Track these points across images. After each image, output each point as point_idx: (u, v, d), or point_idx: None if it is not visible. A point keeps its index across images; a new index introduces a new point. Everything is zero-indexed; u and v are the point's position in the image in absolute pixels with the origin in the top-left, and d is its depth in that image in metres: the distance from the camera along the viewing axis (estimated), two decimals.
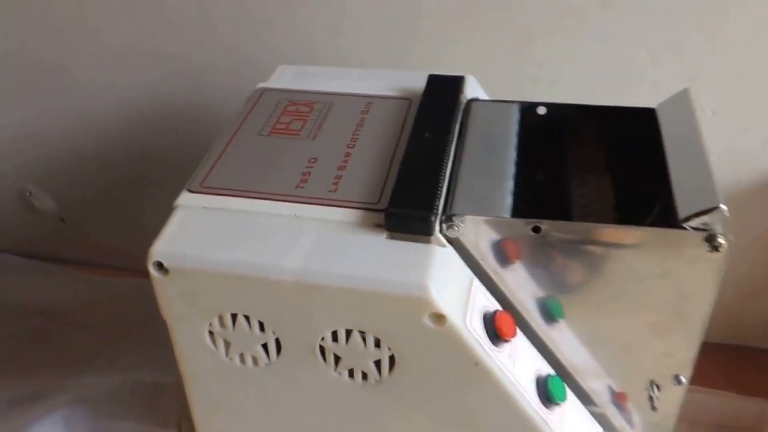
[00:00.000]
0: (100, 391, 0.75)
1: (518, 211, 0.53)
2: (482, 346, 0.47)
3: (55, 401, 0.75)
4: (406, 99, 0.64)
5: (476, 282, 0.50)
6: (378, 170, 0.54)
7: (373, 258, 0.47)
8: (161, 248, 0.49)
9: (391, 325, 0.48)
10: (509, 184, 0.53)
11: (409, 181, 0.51)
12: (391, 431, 0.54)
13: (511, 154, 0.56)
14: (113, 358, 0.82)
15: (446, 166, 0.53)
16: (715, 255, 0.47)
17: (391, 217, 0.48)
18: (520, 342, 0.52)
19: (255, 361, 0.53)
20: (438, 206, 0.49)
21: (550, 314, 0.54)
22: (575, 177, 0.60)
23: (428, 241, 0.48)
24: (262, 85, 0.68)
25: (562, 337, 0.55)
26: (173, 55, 0.90)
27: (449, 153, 0.55)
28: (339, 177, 0.54)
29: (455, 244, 0.50)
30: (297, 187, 0.54)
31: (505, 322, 0.49)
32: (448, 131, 0.56)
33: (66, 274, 1.03)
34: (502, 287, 0.52)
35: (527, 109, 0.62)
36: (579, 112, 0.61)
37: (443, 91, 0.62)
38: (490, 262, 0.51)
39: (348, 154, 0.57)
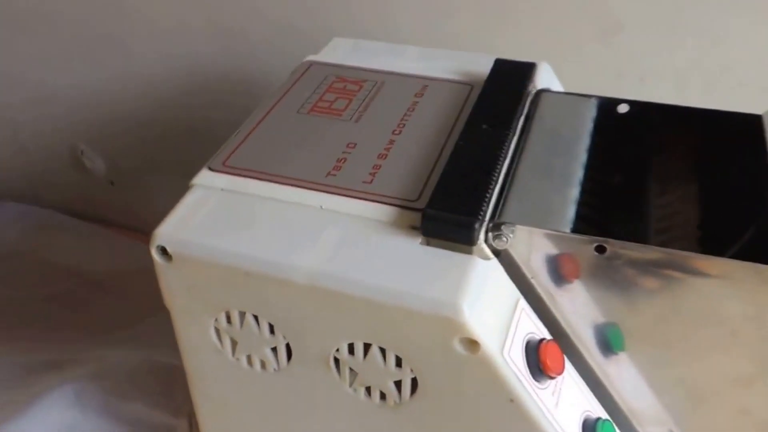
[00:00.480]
0: (118, 368, 0.71)
1: (583, 222, 0.45)
2: (521, 381, 0.40)
3: (72, 373, 0.72)
4: (467, 84, 0.56)
5: (523, 303, 0.43)
6: (423, 163, 0.47)
7: (402, 266, 0.40)
8: (166, 231, 0.44)
9: (415, 345, 0.41)
10: (574, 191, 0.45)
11: (455, 179, 0.44)
12: None
13: (581, 156, 0.48)
14: (138, 333, 0.77)
15: (501, 165, 0.45)
16: None
17: (427, 219, 0.41)
18: (568, 377, 0.44)
19: (263, 365, 0.47)
20: (485, 211, 0.42)
21: (608, 345, 0.46)
22: (655, 186, 0.51)
23: (469, 252, 0.41)
24: (311, 57, 0.62)
25: (620, 374, 0.47)
26: (227, 27, 0.84)
27: (507, 149, 0.47)
28: (377, 167, 0.47)
29: (502, 256, 0.42)
30: (329, 174, 0.47)
31: (551, 354, 0.41)
32: (509, 124, 0.49)
33: (108, 238, 1.00)
34: (554, 310, 0.45)
35: (606, 105, 0.54)
36: (667, 113, 0.52)
37: (510, 78, 0.54)
38: (542, 281, 0.43)
39: (392, 142, 0.50)
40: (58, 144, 1.07)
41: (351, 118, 0.53)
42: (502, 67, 0.56)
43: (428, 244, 0.42)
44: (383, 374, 0.43)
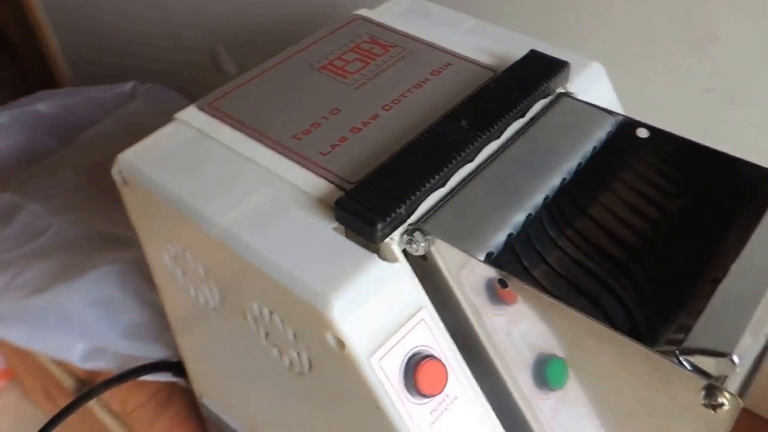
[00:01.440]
0: None
1: (511, 252, 0.42)
2: (387, 391, 0.39)
3: (126, 254, 0.78)
4: (491, 70, 0.53)
5: (426, 314, 0.41)
6: (389, 147, 0.46)
7: (302, 246, 0.40)
8: (128, 158, 0.47)
9: (303, 325, 0.41)
10: (518, 216, 0.42)
11: (390, 173, 0.42)
12: (313, 420, 0.48)
13: (557, 177, 0.44)
14: None
15: (453, 167, 0.43)
16: (712, 414, 0.33)
17: (338, 206, 0.40)
18: (466, 402, 0.42)
19: (205, 300, 0.50)
20: (401, 213, 0.40)
21: (544, 380, 0.43)
22: (621, 227, 0.46)
23: (375, 250, 0.40)
24: (361, 11, 0.61)
25: (553, 412, 0.44)
26: None
27: (472, 152, 0.44)
28: (344, 140, 0.47)
29: (427, 263, 0.41)
30: (295, 137, 0.47)
31: (429, 373, 0.39)
32: (490, 125, 0.45)
33: None
34: (479, 330, 0.43)
35: (627, 125, 0.48)
36: (687, 150, 0.46)
37: (531, 73, 0.50)
38: (471, 297, 0.41)
39: (374, 117, 0.49)
40: (198, 41, 1.14)
41: (354, 84, 0.52)
42: (531, 59, 0.52)
43: (339, 231, 0.41)
44: (285, 343, 0.44)
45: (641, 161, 0.48)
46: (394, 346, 0.39)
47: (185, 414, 0.73)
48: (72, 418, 0.70)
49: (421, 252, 0.40)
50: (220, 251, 0.42)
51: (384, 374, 0.39)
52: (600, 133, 0.48)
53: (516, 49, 0.54)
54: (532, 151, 0.46)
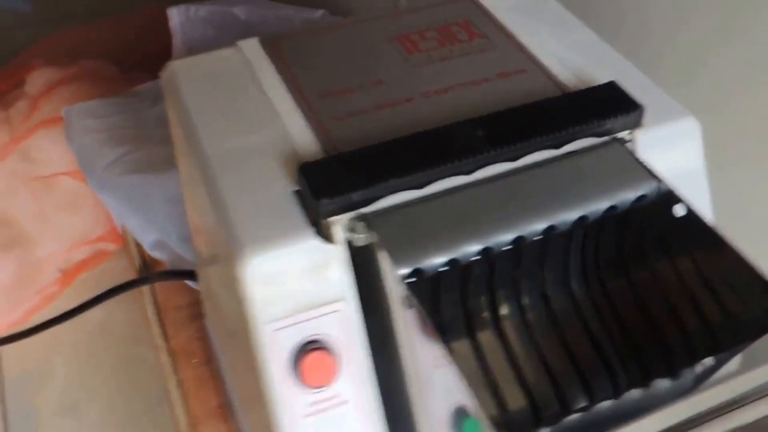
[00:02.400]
0: None
1: (478, 283, 0.39)
2: (269, 365, 0.38)
3: None
4: (561, 89, 0.48)
5: (345, 307, 0.39)
6: (401, 132, 0.44)
7: (254, 199, 0.40)
8: (174, 66, 0.50)
9: (230, 273, 0.41)
10: (474, 246, 0.38)
11: (367, 156, 0.40)
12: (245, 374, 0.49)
13: (543, 221, 0.40)
14: None
15: (437, 173, 0.40)
16: None
17: (300, 172, 0.39)
18: (357, 411, 0.40)
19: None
20: (353, 197, 0.38)
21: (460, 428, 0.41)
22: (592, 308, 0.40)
23: (314, 224, 0.39)
24: None
25: None
26: None
27: (469, 164, 0.41)
28: (364, 112, 0.45)
29: (366, 255, 0.39)
30: (322, 95, 0.47)
31: (315, 364, 0.38)
32: (506, 144, 0.41)
33: None
34: (400, 342, 0.40)
35: (663, 196, 0.42)
36: (712, 239, 0.39)
37: (592, 105, 0.45)
38: (399, 309, 0.39)
39: (409, 100, 0.47)
40: None
41: (415, 62, 0.50)
42: (603, 90, 0.46)
43: (296, 196, 0.40)
44: (228, 287, 0.44)
45: (656, 237, 0.42)
46: (295, 324, 0.39)
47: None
48: (126, 296, 0.77)
49: (359, 243, 0.39)
50: (197, 177, 0.44)
51: (275, 345, 0.38)
52: (627, 195, 0.42)
53: (608, 76, 0.49)
54: (538, 186, 0.42)
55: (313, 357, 0.38)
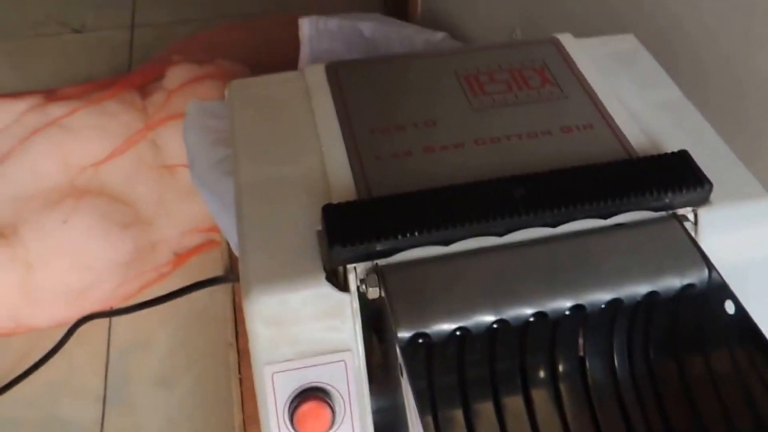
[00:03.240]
0: None
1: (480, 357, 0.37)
2: (267, 406, 0.38)
3: None
4: (627, 152, 0.45)
5: (351, 359, 0.38)
6: (442, 181, 0.42)
7: (276, 234, 0.40)
8: (234, 85, 0.51)
9: None
10: (487, 317, 0.36)
11: (395, 205, 0.39)
12: None
13: (570, 300, 0.37)
14: None
15: (463, 231, 0.38)
16: None
17: (323, 213, 0.39)
18: None
19: None
20: (369, 247, 0.37)
21: None
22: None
23: (329, 271, 0.38)
24: (562, 35, 0.54)
25: None
26: None
27: (499, 226, 0.38)
28: (409, 154, 0.44)
29: (377, 307, 0.38)
30: (372, 131, 0.46)
31: (310, 413, 0.37)
32: (546, 209, 0.39)
33: None
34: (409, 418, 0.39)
35: (714, 289, 0.38)
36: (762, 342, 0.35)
37: (655, 176, 0.41)
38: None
39: (459, 145, 0.45)
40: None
41: (476, 105, 0.48)
42: (672, 159, 0.42)
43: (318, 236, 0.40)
44: None
45: (708, 329, 0.38)
46: (297, 369, 0.38)
47: None
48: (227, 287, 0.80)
49: (371, 295, 0.37)
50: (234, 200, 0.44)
51: (272, 388, 0.38)
52: (672, 282, 0.38)
53: (683, 142, 0.45)
54: (574, 258, 0.39)
55: (308, 406, 0.37)
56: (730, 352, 0.38)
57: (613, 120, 0.47)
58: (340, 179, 0.43)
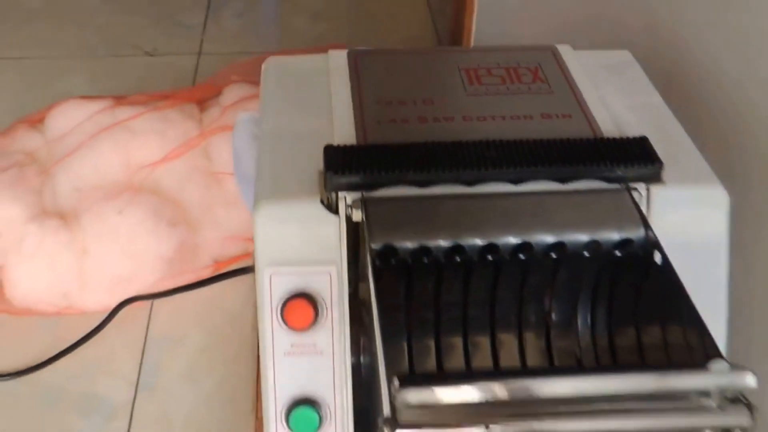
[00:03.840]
0: None
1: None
2: (264, 302, 0.45)
3: None
4: (593, 134, 0.51)
5: (335, 271, 0.45)
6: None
7: (287, 169, 0.48)
8: (270, 60, 0.60)
9: None
10: (445, 242, 0.43)
11: (385, 151, 0.47)
12: None
13: (517, 236, 0.43)
14: None
15: (440, 176, 0.45)
16: None
17: (324, 151, 0.47)
18: (329, 362, 0.46)
19: None
20: (357, 180, 0.45)
21: None
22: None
23: (324, 197, 0.46)
24: (561, 46, 0.62)
25: None
26: None
27: (469, 175, 0.46)
28: (405, 122, 0.52)
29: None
30: (378, 102, 0.54)
31: (292, 310, 0.44)
32: (510, 167, 0.46)
33: None
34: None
35: (646, 242, 0.44)
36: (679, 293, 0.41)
37: (612, 153, 0.48)
38: None
39: (449, 119, 0.52)
40: None
41: (470, 92, 0.56)
42: (632, 143, 0.49)
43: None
44: None
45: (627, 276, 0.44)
46: (290, 274, 0.45)
47: None
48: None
49: (355, 217, 0.45)
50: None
51: (269, 287, 0.45)
52: (611, 234, 0.44)
53: (651, 135, 0.51)
54: (528, 209, 0.45)
55: (296, 302, 0.45)
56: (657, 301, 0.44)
57: (590, 113, 0.54)
58: (345, 134, 0.51)
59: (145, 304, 1.01)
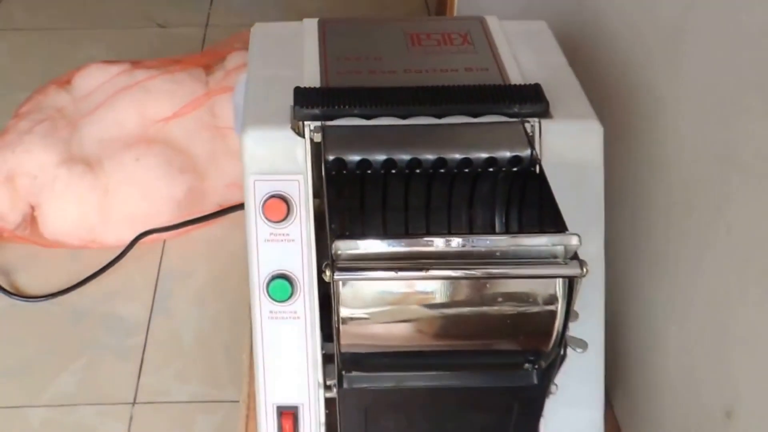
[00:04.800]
0: None
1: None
2: (250, 200, 0.62)
3: None
4: (504, 83, 0.67)
5: (303, 180, 0.62)
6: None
7: (267, 103, 0.64)
8: (257, 25, 0.76)
9: None
10: (380, 155, 0.59)
11: (339, 91, 0.63)
12: None
13: (433, 153, 0.59)
14: None
15: (380, 110, 0.62)
16: None
17: (295, 91, 0.63)
18: (297, 245, 0.63)
19: None
20: (317, 112, 0.61)
21: None
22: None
23: (294, 125, 0.62)
24: (489, 17, 0.77)
25: None
26: None
27: (402, 110, 0.62)
28: (359, 72, 0.68)
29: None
30: (338, 58, 0.70)
31: (275, 205, 0.61)
32: (432, 103, 0.62)
33: None
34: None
35: (532, 159, 0.60)
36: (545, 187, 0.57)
37: (511, 95, 0.64)
38: None
39: (393, 72, 0.69)
40: None
41: (413, 52, 0.72)
42: (527, 89, 0.65)
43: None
44: None
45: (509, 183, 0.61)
46: (269, 180, 0.62)
47: None
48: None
49: (316, 139, 0.61)
50: None
51: (253, 190, 0.62)
52: (504, 152, 0.61)
53: (548, 82, 0.67)
54: (446, 135, 0.62)
55: (274, 201, 0.61)
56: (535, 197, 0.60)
57: (504, 67, 0.70)
58: (311, 80, 0.67)
59: (158, 243, 1.18)
